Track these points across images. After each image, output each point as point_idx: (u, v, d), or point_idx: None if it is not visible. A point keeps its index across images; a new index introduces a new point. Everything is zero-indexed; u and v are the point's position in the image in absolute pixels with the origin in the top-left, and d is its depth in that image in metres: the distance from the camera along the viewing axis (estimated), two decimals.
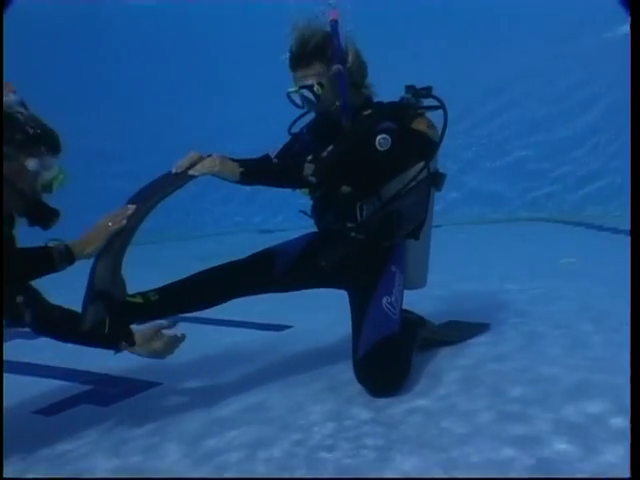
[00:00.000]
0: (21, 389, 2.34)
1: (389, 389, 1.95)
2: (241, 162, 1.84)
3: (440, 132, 2.07)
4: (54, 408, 2.15)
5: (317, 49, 1.99)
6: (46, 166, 1.73)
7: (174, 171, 1.80)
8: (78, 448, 1.79)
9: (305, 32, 1.99)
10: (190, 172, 1.78)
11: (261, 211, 8.92)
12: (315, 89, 2.00)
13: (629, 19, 1.27)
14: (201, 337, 2.93)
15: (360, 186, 2.00)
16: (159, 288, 2.01)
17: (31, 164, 1.69)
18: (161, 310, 1.98)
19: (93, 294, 1.74)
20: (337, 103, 2.02)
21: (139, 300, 1.92)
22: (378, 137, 1.92)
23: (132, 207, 1.75)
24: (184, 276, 2.08)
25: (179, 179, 1.80)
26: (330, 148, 1.98)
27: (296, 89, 2.04)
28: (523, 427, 1.62)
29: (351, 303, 2.17)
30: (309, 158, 1.98)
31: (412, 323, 2.30)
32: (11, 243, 1.75)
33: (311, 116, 2.21)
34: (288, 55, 2.03)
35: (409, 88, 2.12)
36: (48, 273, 1.67)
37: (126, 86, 8.87)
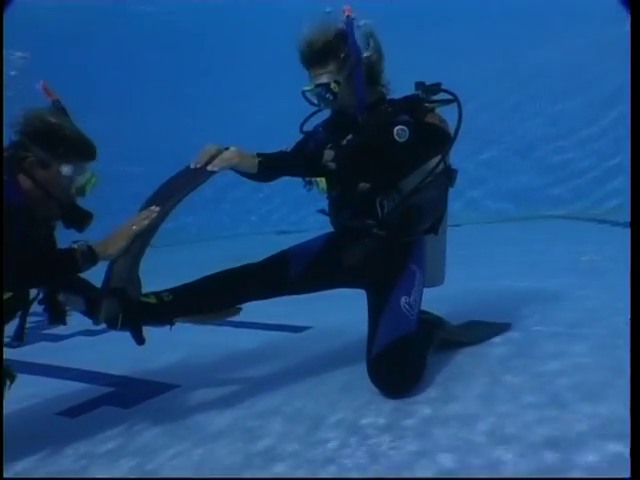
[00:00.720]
0: (44, 391, 2.39)
1: (401, 390, 1.92)
2: (259, 153, 1.84)
3: (456, 125, 2.05)
4: (77, 410, 2.18)
5: (332, 47, 1.97)
6: (80, 171, 1.79)
7: (192, 166, 1.80)
8: (100, 449, 1.81)
9: (319, 30, 1.98)
10: (209, 168, 1.77)
11: (277, 211, 8.97)
12: (332, 87, 1.99)
13: (629, 19, 1.25)
14: (219, 339, 2.96)
15: (379, 179, 1.99)
16: (173, 289, 2.01)
17: (65, 170, 1.76)
18: (174, 311, 1.98)
19: (109, 289, 1.75)
20: (353, 100, 2.01)
21: (153, 300, 1.93)
22: (396, 128, 1.91)
23: (155, 209, 1.76)
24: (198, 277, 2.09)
25: (198, 176, 1.79)
26: (349, 137, 1.98)
27: (312, 87, 2.03)
28: (549, 428, 1.58)
29: (369, 302, 2.15)
30: (329, 146, 1.98)
31: (429, 324, 2.28)
32: (41, 245, 1.78)
33: (323, 114, 2.20)
34: (302, 53, 2.01)
35: (419, 84, 2.10)
36: (72, 273, 1.71)
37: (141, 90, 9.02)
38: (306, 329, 2.98)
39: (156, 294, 1.96)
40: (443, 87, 2.09)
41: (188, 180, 1.81)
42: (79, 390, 2.40)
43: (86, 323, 1.99)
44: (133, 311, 1.85)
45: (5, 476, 1.58)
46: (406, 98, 2.10)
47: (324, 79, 1.99)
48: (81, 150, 1.79)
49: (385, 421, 1.76)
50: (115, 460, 1.72)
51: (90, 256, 1.66)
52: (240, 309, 2.06)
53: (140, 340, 1.91)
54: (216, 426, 1.88)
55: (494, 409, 1.74)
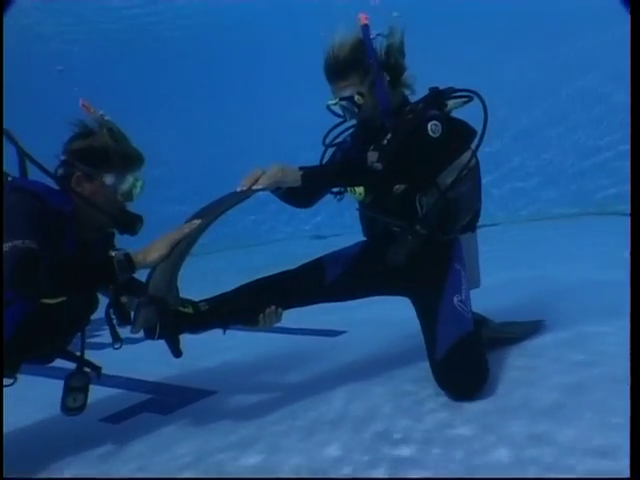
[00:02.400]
0: (90, 397, 2.46)
1: (471, 390, 1.88)
2: (301, 167, 1.86)
3: (483, 120, 2.03)
4: (120, 416, 2.24)
5: (351, 59, 1.98)
6: (122, 179, 1.86)
7: (238, 190, 1.83)
8: (143, 454, 1.86)
9: (336, 44, 1.99)
10: (254, 187, 1.80)
11: (313, 217, 9.00)
12: (356, 99, 2.00)
13: (629, 19, 1.22)
14: (255, 345, 2.99)
15: (419, 177, 1.98)
16: (210, 298, 2.04)
17: (108, 180, 1.84)
18: (211, 321, 2.00)
19: (148, 298, 1.78)
20: (378, 108, 2.01)
21: (190, 310, 1.96)
22: (430, 124, 1.92)
23: (197, 222, 1.81)
24: (235, 286, 2.11)
25: (243, 195, 1.83)
26: (389, 136, 1.98)
27: (335, 101, 2.04)
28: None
29: (418, 306, 2.13)
30: (371, 148, 1.99)
31: (476, 323, 2.25)
32: (84, 253, 1.84)
33: (345, 126, 2.21)
34: (324, 68, 2.03)
35: (433, 90, 2.10)
36: (110, 281, 1.75)
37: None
38: (341, 333, 2.99)
39: (193, 304, 1.99)
40: (458, 88, 2.09)
41: (232, 200, 1.86)
42: (121, 397, 2.46)
43: (125, 332, 2.05)
44: (170, 322, 1.87)
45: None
46: (430, 94, 2.08)
47: (347, 92, 2.00)
48: (121, 159, 1.86)
49: (430, 425, 1.75)
50: (146, 467, 1.76)
51: (127, 264, 1.70)
52: (280, 313, 2.05)
53: (177, 353, 1.94)
54: (254, 432, 1.89)
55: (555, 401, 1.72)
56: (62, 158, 1.86)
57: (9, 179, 1.83)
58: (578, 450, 1.46)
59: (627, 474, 1.21)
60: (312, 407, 2.03)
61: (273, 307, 1.97)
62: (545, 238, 5.62)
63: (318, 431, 1.82)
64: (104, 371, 2.81)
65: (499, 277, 3.73)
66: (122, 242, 1.98)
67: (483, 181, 2.17)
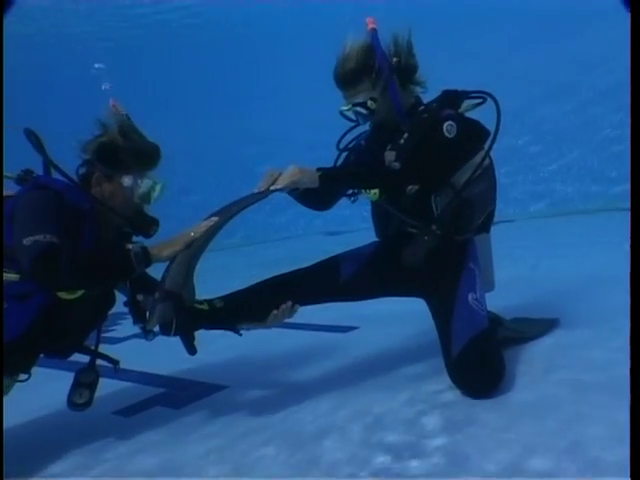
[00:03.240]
0: (103, 391, 2.48)
1: (487, 388, 1.86)
2: (318, 168, 1.87)
3: (496, 121, 2.03)
4: (132, 410, 2.26)
5: (362, 65, 1.98)
6: (140, 181, 1.88)
7: (257, 191, 1.84)
8: (148, 448, 1.87)
9: (346, 50, 1.99)
10: (272, 188, 1.82)
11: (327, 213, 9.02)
12: (369, 104, 2.00)
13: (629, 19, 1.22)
14: (268, 340, 2.98)
15: (434, 176, 1.97)
16: (225, 296, 2.04)
17: (126, 181, 1.87)
18: (226, 318, 2.01)
19: (164, 294, 1.79)
20: (392, 111, 2.02)
21: (205, 307, 1.96)
22: (445, 124, 1.92)
23: (215, 219, 1.83)
24: (250, 284, 2.11)
25: (261, 195, 1.84)
26: (405, 136, 1.97)
27: (349, 107, 2.05)
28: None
29: (433, 304, 2.12)
30: (388, 147, 1.99)
31: (491, 322, 2.22)
32: (99, 248, 1.86)
33: (359, 130, 2.22)
34: (334, 76, 2.03)
35: (447, 91, 2.10)
36: (128, 274, 1.78)
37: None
38: (353, 329, 2.98)
39: (208, 301, 1.99)
40: (471, 90, 2.08)
41: (249, 198, 1.87)
42: (134, 391, 2.49)
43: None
44: (187, 318, 1.88)
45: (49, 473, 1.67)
46: (444, 94, 2.09)
47: (360, 98, 2.01)
48: (139, 160, 1.88)
49: (446, 416, 1.75)
50: (161, 458, 1.77)
51: (144, 257, 1.73)
52: (296, 309, 2.03)
53: (192, 350, 1.94)
54: (265, 428, 1.89)
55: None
56: (83, 157, 1.90)
57: (33, 175, 1.87)
58: (589, 450, 1.43)
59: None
60: (323, 403, 2.02)
61: (290, 303, 1.96)
62: (562, 234, 5.56)
63: (329, 426, 1.82)
64: (121, 365, 2.86)
65: (513, 274, 3.70)
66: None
67: (500, 174, 2.15)
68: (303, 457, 1.64)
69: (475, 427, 1.66)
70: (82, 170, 1.90)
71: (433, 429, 1.69)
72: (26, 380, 1.93)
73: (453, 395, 1.90)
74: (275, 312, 1.95)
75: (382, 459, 1.55)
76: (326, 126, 2.44)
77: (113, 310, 2.05)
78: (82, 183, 1.88)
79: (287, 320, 2.01)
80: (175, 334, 1.86)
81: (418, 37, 2.03)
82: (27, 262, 1.61)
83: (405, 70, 2.02)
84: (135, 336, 3.56)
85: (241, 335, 2.06)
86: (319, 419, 1.89)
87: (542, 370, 2.01)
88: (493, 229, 2.29)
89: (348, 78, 2.00)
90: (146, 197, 1.92)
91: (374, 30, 1.99)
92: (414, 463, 1.51)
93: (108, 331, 3.87)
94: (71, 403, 1.98)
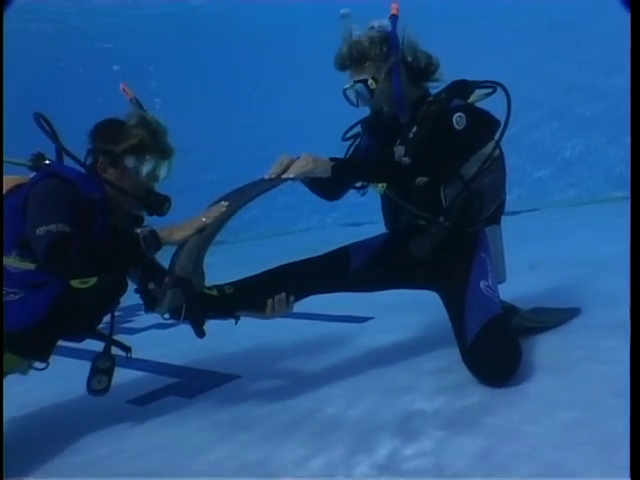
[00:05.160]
0: (118, 380, 2.50)
1: (504, 374, 1.82)
2: (331, 158, 1.85)
3: (506, 112, 1.99)
4: (145, 399, 2.28)
5: (371, 45, 1.98)
6: (143, 160, 1.87)
7: (267, 178, 1.82)
8: (160, 437, 1.88)
9: (357, 30, 1.99)
10: (284, 176, 1.80)
11: (343, 203, 8.99)
12: (369, 83, 1.99)
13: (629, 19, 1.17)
14: (281, 331, 2.98)
15: (443, 168, 1.95)
16: (235, 282, 2.03)
17: (130, 162, 1.86)
18: (235, 304, 2.00)
19: (174, 280, 1.79)
20: (392, 99, 2.00)
21: (214, 293, 1.96)
22: (454, 116, 1.89)
23: (225, 204, 1.81)
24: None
25: (272, 183, 1.82)
26: (414, 129, 1.96)
27: (351, 85, 2.03)
28: None
29: (445, 296, 2.09)
30: (397, 142, 1.98)
31: (505, 311, 2.19)
32: (110, 234, 1.88)
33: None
34: (342, 54, 2.01)
35: (456, 81, 2.07)
36: (138, 259, 1.77)
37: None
38: (368, 320, 2.95)
39: (218, 287, 1.99)
40: (481, 80, 2.05)
41: (261, 187, 1.85)
42: (149, 380, 2.51)
43: (158, 317, 2.07)
44: (196, 303, 1.87)
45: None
46: (453, 84, 2.05)
47: (362, 76, 2.00)
48: (140, 140, 1.86)
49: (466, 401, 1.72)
50: (170, 449, 1.78)
51: (153, 241, 1.72)
52: (293, 305, 2.02)
53: (200, 333, 1.94)
54: (276, 417, 1.89)
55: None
56: (88, 147, 1.90)
57: (46, 162, 1.88)
58: (612, 445, 1.39)
59: None
60: (337, 393, 2.01)
61: (283, 294, 1.94)
62: (584, 223, 5.44)
63: (342, 417, 1.80)
64: (134, 355, 2.89)
65: (532, 262, 3.63)
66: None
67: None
68: (316, 447, 1.62)
69: (494, 417, 1.63)
70: (89, 160, 1.91)
71: (450, 420, 1.66)
72: (44, 369, 1.96)
73: (470, 385, 1.86)
74: (270, 301, 1.93)
75: (396, 450, 1.53)
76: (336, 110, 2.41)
77: (132, 302, 2.06)
78: (91, 171, 1.88)
79: (285, 313, 1.99)
80: (185, 319, 1.86)
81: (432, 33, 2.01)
82: (41, 252, 1.63)
83: (415, 64, 2.01)
84: (153, 327, 3.61)
85: (236, 323, 2.04)
86: (332, 409, 1.87)
87: (561, 360, 1.97)
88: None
89: (355, 55, 1.99)
90: (153, 175, 1.91)
91: (395, 17, 1.98)
92: (429, 454, 1.48)
93: (126, 321, 3.92)
94: (90, 389, 2.02)
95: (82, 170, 1.88)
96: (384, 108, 2.04)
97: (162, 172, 1.92)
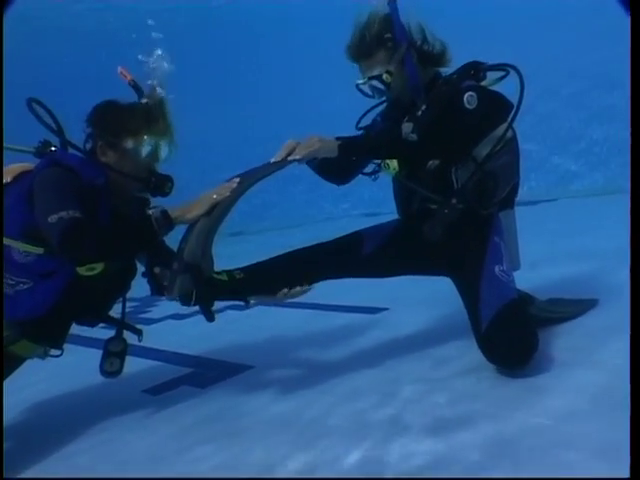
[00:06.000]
0: (135, 369, 2.52)
1: (520, 358, 1.79)
2: (337, 137, 1.83)
3: (519, 94, 1.93)
4: (159, 389, 2.30)
5: (378, 36, 1.94)
6: (142, 141, 1.85)
7: (273, 161, 1.80)
8: (170, 427, 1.90)
9: (361, 21, 1.95)
10: (290, 158, 1.77)
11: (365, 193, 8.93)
12: (384, 78, 1.96)
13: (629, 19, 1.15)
14: (296, 321, 3.00)
15: (454, 148, 1.91)
16: (245, 267, 2.03)
17: (129, 144, 1.84)
18: (245, 288, 1.99)
19: (184, 266, 1.78)
20: (408, 86, 1.97)
21: (224, 277, 1.95)
22: (465, 95, 1.86)
23: (235, 180, 1.79)
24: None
25: (280, 164, 1.80)
26: (423, 107, 1.93)
27: (364, 80, 2.00)
28: None
29: (459, 281, 2.06)
30: (405, 119, 1.95)
31: (523, 302, 2.13)
32: (119, 218, 1.88)
33: (379, 109, 2.17)
34: (349, 49, 1.99)
35: (468, 62, 2.03)
36: (151, 240, 1.78)
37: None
38: (383, 311, 2.93)
39: (228, 272, 1.98)
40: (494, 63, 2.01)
41: (268, 169, 1.83)
42: (164, 370, 2.53)
43: (175, 308, 2.09)
44: (206, 289, 1.87)
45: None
46: (465, 65, 2.02)
47: (375, 71, 1.97)
48: (137, 121, 1.85)
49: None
50: (182, 438, 1.80)
51: (165, 221, 1.72)
52: (309, 288, 2.01)
53: (210, 317, 1.94)
54: (288, 408, 1.88)
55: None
56: (87, 132, 1.89)
57: (52, 149, 1.89)
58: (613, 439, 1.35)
59: None
60: (351, 384, 2.00)
61: (295, 279, 1.94)
62: (607, 213, 5.31)
63: (356, 408, 1.79)
64: (151, 345, 2.92)
65: (550, 251, 3.57)
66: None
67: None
68: (329, 439, 1.61)
69: (511, 410, 1.60)
70: (88, 145, 1.89)
71: (466, 411, 1.64)
72: (59, 356, 1.99)
73: (487, 376, 1.84)
74: (285, 290, 1.93)
75: (409, 443, 1.52)
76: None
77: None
78: (91, 156, 1.87)
79: (296, 297, 1.98)
80: (195, 304, 1.87)
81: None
82: (55, 239, 1.64)
83: (423, 47, 1.98)
84: (169, 317, 3.64)
85: (248, 307, 2.05)
86: (346, 401, 1.86)
87: (579, 351, 1.92)
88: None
89: (364, 49, 1.96)
90: (154, 155, 1.89)
91: (393, 1, 1.93)
92: (445, 445, 1.47)
93: (144, 312, 3.97)
94: (103, 372, 2.05)
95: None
96: (401, 96, 2.02)
97: (163, 152, 1.90)
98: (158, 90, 1.87)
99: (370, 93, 2.05)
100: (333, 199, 9.75)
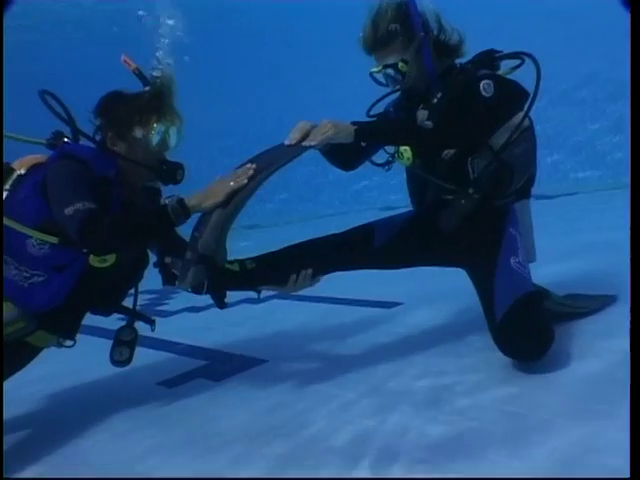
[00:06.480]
0: (152, 362, 2.57)
1: (535, 351, 1.77)
2: (353, 122, 1.80)
3: (535, 82, 1.90)
4: (175, 381, 2.31)
5: (395, 26, 1.92)
6: (151, 129, 1.85)
7: (287, 144, 1.77)
8: (187, 419, 1.92)
9: (378, 10, 1.93)
10: (305, 144, 1.74)
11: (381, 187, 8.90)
12: (400, 66, 1.94)
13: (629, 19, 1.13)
14: (310, 316, 3.00)
15: (469, 136, 1.89)
16: (256, 257, 2.02)
17: (137, 133, 1.85)
18: (256, 279, 1.99)
19: (197, 257, 1.78)
20: (423, 76, 1.95)
21: (236, 268, 1.95)
22: (482, 83, 1.85)
23: (252, 166, 1.76)
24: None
25: (294, 151, 1.77)
26: (439, 95, 1.91)
27: (379, 69, 1.98)
28: None
29: (473, 273, 2.04)
30: (420, 107, 1.94)
31: (539, 295, 2.09)
32: (135, 207, 1.89)
33: (390, 98, 2.14)
34: (365, 38, 1.96)
35: (484, 51, 2.02)
36: (168, 229, 1.78)
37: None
38: (396, 305, 2.92)
39: (240, 262, 1.99)
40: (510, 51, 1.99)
41: (283, 154, 1.79)
42: (179, 362, 2.55)
43: (191, 300, 2.09)
44: (218, 279, 1.88)
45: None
46: (481, 54, 2.00)
47: (391, 59, 1.94)
48: (144, 109, 1.85)
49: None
50: (195, 431, 1.81)
51: (182, 210, 1.72)
52: (318, 280, 2.01)
53: (221, 304, 1.96)
54: (301, 402, 1.88)
55: None
56: (96, 123, 1.90)
57: (65, 140, 1.91)
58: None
59: None
60: (364, 379, 1.99)
61: (310, 270, 1.93)
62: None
63: (369, 403, 1.79)
64: (167, 337, 2.95)
65: (568, 245, 3.51)
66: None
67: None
68: (342, 433, 1.61)
69: (525, 406, 1.59)
70: (97, 137, 1.90)
71: (481, 406, 1.63)
72: (72, 346, 2.01)
73: (503, 371, 1.82)
74: (294, 277, 1.92)
75: (422, 438, 1.51)
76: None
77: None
78: (101, 147, 1.87)
79: (306, 288, 1.98)
80: (206, 293, 1.88)
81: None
82: (74, 231, 1.66)
83: (440, 37, 1.96)
84: (185, 310, 3.67)
85: (258, 297, 2.05)
86: (360, 395, 1.86)
87: (596, 347, 1.89)
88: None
89: (380, 37, 1.93)
90: (163, 144, 1.89)
91: None
92: (455, 440, 1.46)
93: (162, 304, 4.00)
94: (113, 360, 2.08)
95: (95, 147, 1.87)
96: (416, 85, 1.99)
97: (172, 140, 1.90)
98: (166, 69, 1.86)
99: (384, 81, 2.02)
100: (354, 193, 9.72)
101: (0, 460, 1.60)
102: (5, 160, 1.92)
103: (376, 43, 1.95)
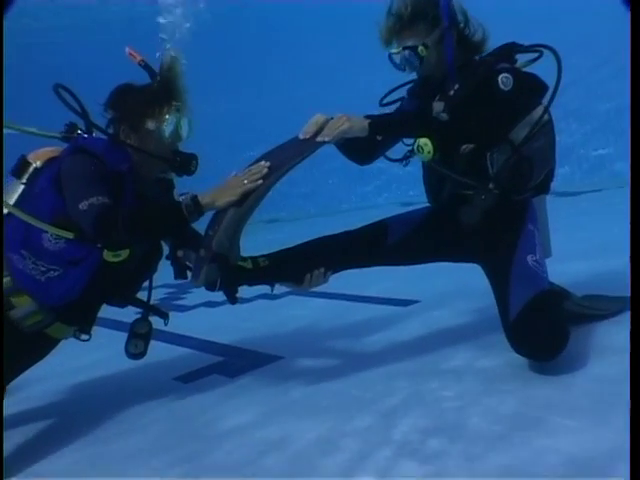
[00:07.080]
0: (169, 357, 2.60)
1: (549, 351, 1.75)
2: (366, 115, 1.80)
3: (556, 77, 1.86)
4: (191, 376, 2.33)
5: (420, 9, 1.90)
6: (163, 121, 1.86)
7: (301, 137, 1.77)
8: (201, 414, 1.94)
9: None
10: (319, 138, 1.74)
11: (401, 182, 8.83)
12: (419, 50, 1.91)
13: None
14: (325, 312, 2.99)
15: (489, 131, 1.86)
16: (269, 254, 2.02)
17: (150, 125, 1.85)
18: (269, 276, 1.99)
19: (211, 256, 1.79)
20: (441, 65, 1.92)
21: (249, 265, 1.96)
22: (500, 76, 1.81)
23: (266, 164, 1.75)
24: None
25: (309, 146, 1.76)
26: (456, 87, 1.89)
27: (399, 50, 1.95)
28: None
29: (489, 269, 2.01)
30: (437, 98, 1.92)
31: (556, 294, 2.07)
32: (149, 202, 1.90)
33: (403, 89, 2.11)
34: (389, 19, 1.93)
35: (503, 44, 1.97)
36: (181, 226, 1.79)
37: None
38: (413, 303, 2.90)
39: (253, 259, 1.99)
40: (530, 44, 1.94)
41: (297, 150, 1.78)
42: (196, 358, 2.57)
43: (208, 295, 2.11)
44: (231, 277, 1.90)
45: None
46: (500, 47, 1.95)
47: (411, 42, 1.91)
48: (155, 100, 1.85)
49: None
50: (208, 427, 1.82)
51: (195, 207, 1.72)
52: (328, 278, 1.99)
53: (233, 300, 1.96)
54: (316, 400, 1.89)
55: None
56: (108, 117, 1.90)
57: (78, 132, 1.93)
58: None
59: None
60: (380, 377, 1.99)
61: (322, 269, 1.93)
62: None
63: (384, 400, 1.78)
64: (184, 332, 2.98)
65: (587, 244, 3.44)
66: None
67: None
68: (356, 432, 1.61)
69: (540, 407, 1.57)
70: (110, 130, 1.90)
71: (494, 407, 1.62)
72: (88, 340, 2.04)
73: (519, 370, 1.80)
74: (308, 276, 1.92)
75: (437, 438, 1.50)
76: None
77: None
78: (115, 141, 1.87)
79: (320, 285, 1.98)
80: (219, 290, 1.90)
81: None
82: (89, 226, 1.68)
83: (464, 29, 1.94)
84: (202, 305, 3.69)
85: (272, 291, 2.05)
86: (375, 394, 1.85)
87: (614, 347, 1.84)
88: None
89: (404, 19, 1.91)
90: (176, 135, 1.89)
91: None
92: (469, 445, 1.44)
93: (179, 299, 4.04)
94: (128, 353, 2.10)
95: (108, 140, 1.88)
96: (433, 74, 1.97)
97: (184, 130, 1.90)
98: (172, 58, 1.86)
99: (400, 65, 1.98)
100: (376, 189, 9.67)
101: (0, 460, 1.63)
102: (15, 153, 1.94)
103: (401, 24, 1.92)
